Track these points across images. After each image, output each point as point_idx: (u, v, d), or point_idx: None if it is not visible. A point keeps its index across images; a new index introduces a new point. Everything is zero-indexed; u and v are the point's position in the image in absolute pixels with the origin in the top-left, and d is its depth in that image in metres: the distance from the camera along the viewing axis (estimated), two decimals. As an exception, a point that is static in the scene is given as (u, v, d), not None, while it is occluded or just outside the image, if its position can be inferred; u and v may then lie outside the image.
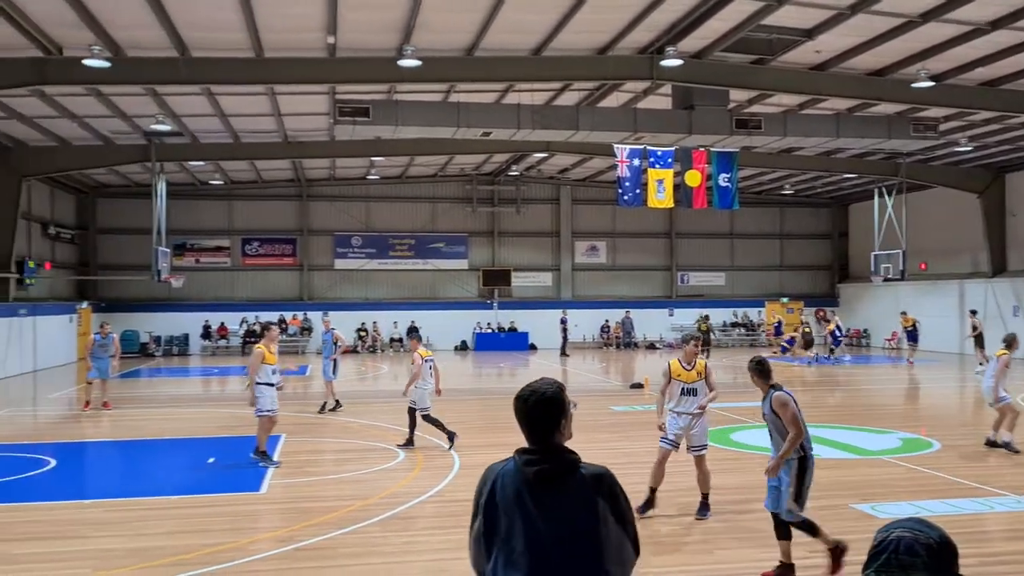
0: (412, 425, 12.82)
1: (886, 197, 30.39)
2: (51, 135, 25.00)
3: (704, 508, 8.83)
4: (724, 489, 9.98)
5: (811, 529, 6.91)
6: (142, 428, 15.47)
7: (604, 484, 3.05)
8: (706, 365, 9.09)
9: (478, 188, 38.14)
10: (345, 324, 36.18)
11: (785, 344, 30.41)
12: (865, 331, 39.27)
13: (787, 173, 34.28)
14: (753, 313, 40.69)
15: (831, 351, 30.15)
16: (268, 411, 11.63)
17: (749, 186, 37.15)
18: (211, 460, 12.33)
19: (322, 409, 16.79)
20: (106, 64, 16.64)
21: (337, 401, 16.99)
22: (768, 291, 40.99)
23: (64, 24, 15.62)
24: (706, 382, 8.99)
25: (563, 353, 33.67)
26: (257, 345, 12.08)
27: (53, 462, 12.22)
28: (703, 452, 9.01)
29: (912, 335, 28.35)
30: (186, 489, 10.50)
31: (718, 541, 7.99)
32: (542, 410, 3.08)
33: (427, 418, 12.83)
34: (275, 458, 11.76)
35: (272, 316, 35.85)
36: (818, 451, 12.30)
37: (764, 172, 34.11)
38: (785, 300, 40.06)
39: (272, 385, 11.77)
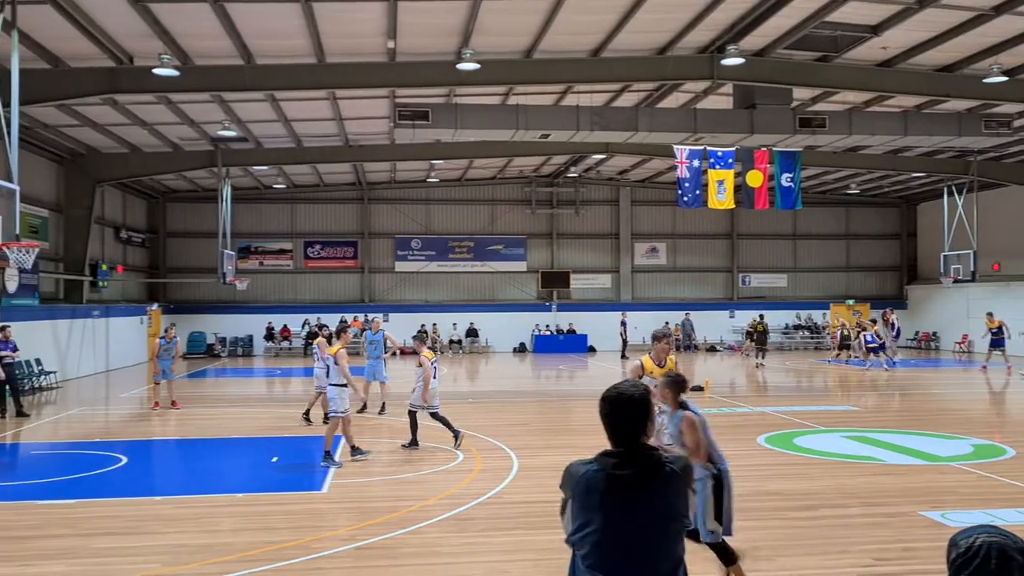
0: (445, 424, 12.96)
1: (956, 196, 29.51)
2: (123, 142, 25.80)
3: None
4: (788, 495, 9.83)
5: (726, 556, 6.46)
6: (209, 427, 15.85)
7: (690, 473, 3.12)
8: (676, 363, 8.96)
9: (537, 190, 38.19)
10: (405, 326, 36.59)
11: (869, 345, 29.62)
12: (934, 334, 38.21)
13: (852, 172, 33.55)
14: (817, 315, 39.91)
15: (877, 353, 29.42)
16: (343, 412, 11.89)
17: (813, 186, 36.48)
18: (274, 459, 12.57)
19: (382, 410, 16.96)
20: (175, 73, 17.12)
21: (365, 404, 17.00)
22: (833, 293, 40.17)
23: (136, 35, 16.12)
24: None
25: (623, 356, 33.46)
26: (334, 347, 12.29)
27: (125, 459, 12.59)
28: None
29: (997, 339, 26.36)
30: (251, 487, 10.73)
31: (781, 548, 7.85)
32: (630, 412, 3.07)
33: (414, 415, 12.98)
34: (337, 458, 11.94)
35: (333, 318, 36.47)
36: (885, 456, 12.08)
37: (828, 171, 33.44)
38: (851, 302, 39.18)
39: (345, 386, 12.00)
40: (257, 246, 37.19)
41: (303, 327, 36.60)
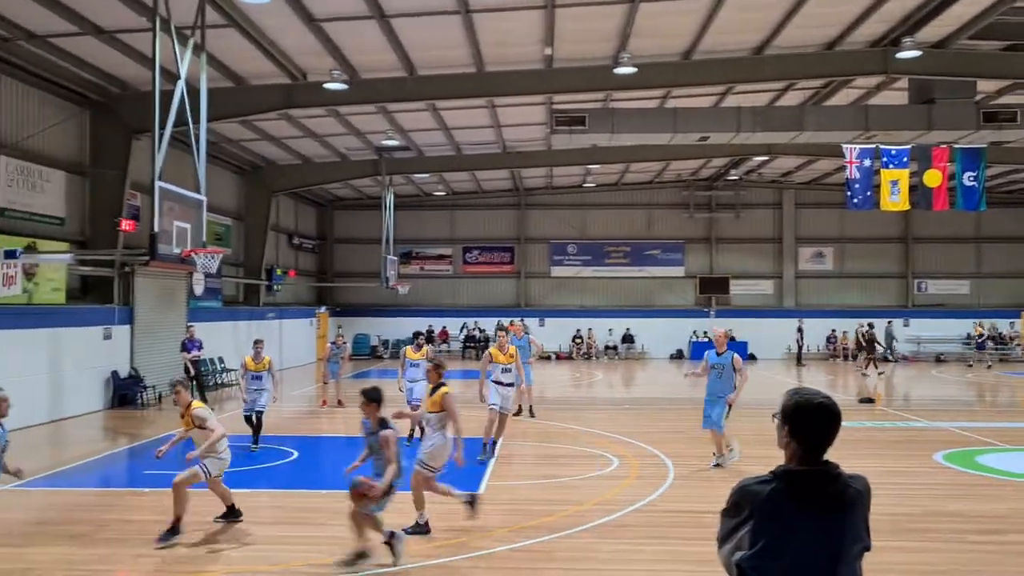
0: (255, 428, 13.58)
1: None
2: (296, 154, 27.34)
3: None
4: (969, 517, 9.12)
5: None
6: (372, 425, 16.47)
7: (870, 494, 2.93)
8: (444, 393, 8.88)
9: (695, 194, 37.43)
10: (560, 331, 36.87)
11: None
12: None
13: (1045, 170, 30.84)
14: (1003, 324, 36.86)
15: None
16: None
17: (999, 184, 33.82)
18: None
19: (518, 412, 17.20)
20: (344, 87, 18.01)
21: (531, 407, 17.27)
22: (1023, 300, 37.02)
23: (309, 52, 17.04)
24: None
25: (799, 363, 32.36)
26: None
27: (295, 453, 13.30)
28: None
29: None
30: (410, 484, 11.02)
31: (962, 574, 7.27)
32: (831, 424, 2.89)
33: (251, 420, 13.57)
34: (492, 461, 12.13)
35: (490, 322, 37.16)
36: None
37: (1018, 169, 30.88)
38: (1042, 311, 36.00)
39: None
40: (418, 251, 38.43)
41: (461, 330, 37.52)
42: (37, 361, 16.57)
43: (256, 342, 14.18)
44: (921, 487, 10.51)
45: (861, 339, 29.47)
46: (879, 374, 27.54)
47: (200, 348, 19.15)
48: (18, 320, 16.03)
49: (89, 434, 16.04)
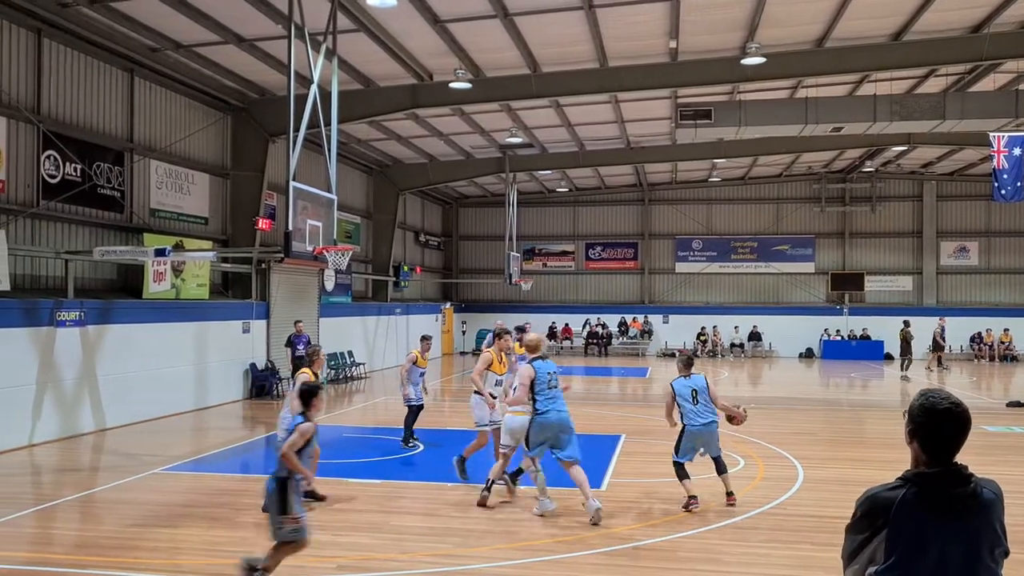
0: None
1: None
2: (422, 152, 27.97)
3: None
4: None
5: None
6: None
7: (1003, 500, 2.80)
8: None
9: (827, 187, 36.08)
10: (685, 328, 36.26)
11: None
12: None
13: None
14: None
15: None
16: None
17: None
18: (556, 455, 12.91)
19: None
20: (468, 86, 18.29)
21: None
22: None
23: (434, 53, 17.40)
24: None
25: (941, 364, 30.74)
26: None
27: (422, 446, 13.62)
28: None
29: None
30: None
31: None
32: (957, 426, 2.77)
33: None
34: (615, 458, 12.04)
35: (613, 319, 37.02)
36: None
37: None
38: None
39: None
40: (541, 248, 38.63)
41: (584, 327, 37.47)
42: (184, 353, 17.63)
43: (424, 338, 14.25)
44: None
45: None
46: (901, 377, 25.98)
47: (308, 343, 19.25)
48: (168, 314, 17.09)
49: (230, 422, 16.94)
